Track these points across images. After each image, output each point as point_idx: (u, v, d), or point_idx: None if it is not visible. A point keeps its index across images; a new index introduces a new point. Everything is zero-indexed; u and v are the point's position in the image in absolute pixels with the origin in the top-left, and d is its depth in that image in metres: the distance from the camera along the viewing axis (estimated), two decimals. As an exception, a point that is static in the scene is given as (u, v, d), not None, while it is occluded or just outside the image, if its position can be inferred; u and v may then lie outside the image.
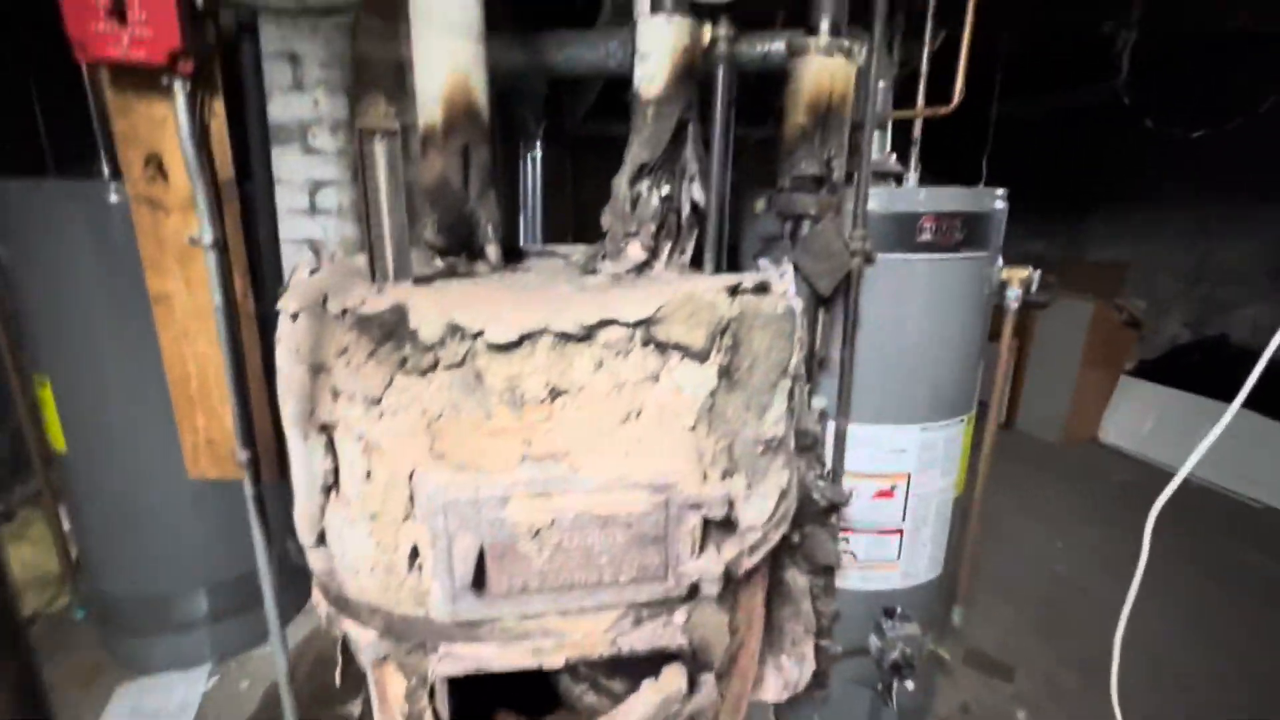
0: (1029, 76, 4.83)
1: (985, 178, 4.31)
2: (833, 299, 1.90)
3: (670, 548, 0.98)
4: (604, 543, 0.94)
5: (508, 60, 2.66)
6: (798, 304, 1.16)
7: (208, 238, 1.22)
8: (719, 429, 1.02)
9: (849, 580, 2.23)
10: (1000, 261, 2.10)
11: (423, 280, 1.29)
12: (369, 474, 0.98)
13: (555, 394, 0.93)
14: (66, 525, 2.91)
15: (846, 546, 2.19)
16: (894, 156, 2.27)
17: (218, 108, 1.19)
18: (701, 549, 1.02)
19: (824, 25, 1.61)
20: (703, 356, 0.99)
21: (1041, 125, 6.20)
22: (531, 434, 0.92)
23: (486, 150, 1.67)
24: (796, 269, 1.77)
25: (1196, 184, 5.79)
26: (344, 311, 1.08)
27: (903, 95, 2.32)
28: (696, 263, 2.16)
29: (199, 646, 2.89)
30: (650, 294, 1.01)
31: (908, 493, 2.14)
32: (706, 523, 1.01)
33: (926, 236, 1.91)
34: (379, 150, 1.12)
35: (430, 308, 0.96)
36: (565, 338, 0.94)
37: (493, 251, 1.71)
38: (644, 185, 1.63)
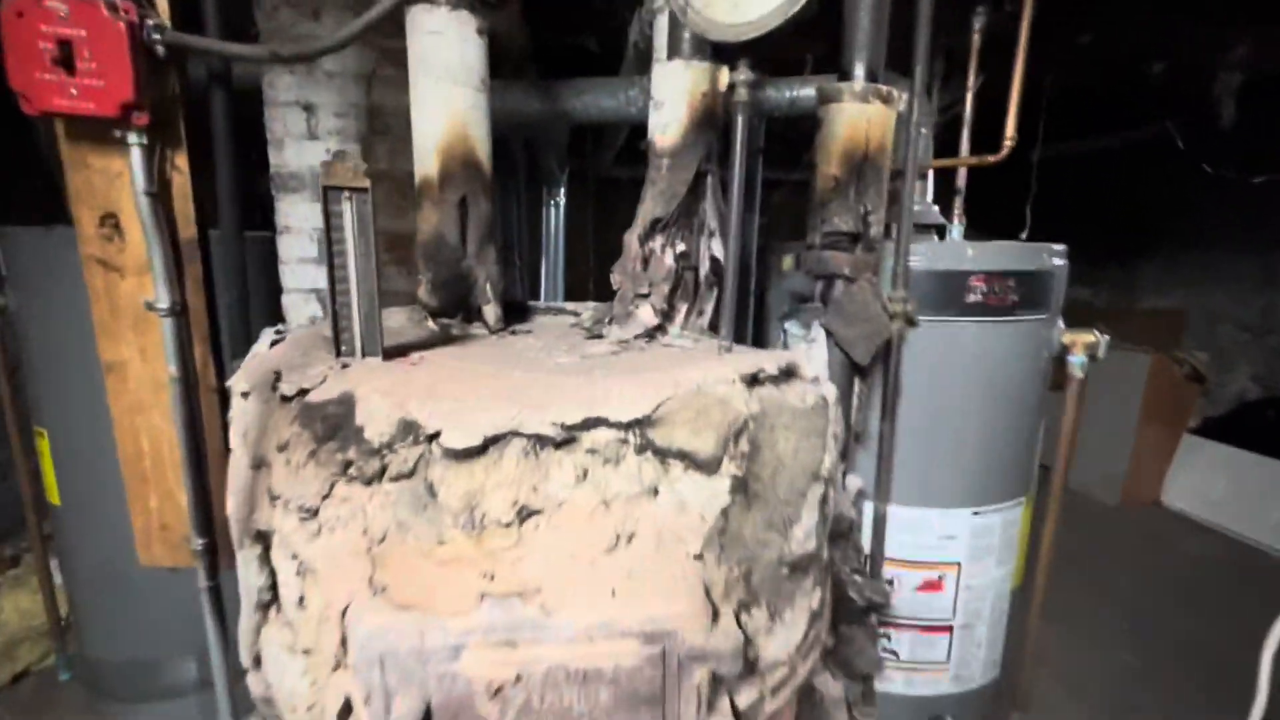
0: (1073, 118, 4.63)
1: (1029, 226, 4.08)
2: (870, 366, 1.70)
3: (669, 708, 0.77)
4: (584, 703, 0.74)
5: (527, 108, 2.59)
6: (831, 391, 0.96)
7: (164, 302, 1.09)
8: (733, 554, 0.81)
9: (892, 685, 1.95)
10: (1061, 324, 1.87)
11: (398, 352, 1.14)
12: (302, 599, 0.80)
13: (525, 514, 0.74)
14: (59, 579, 2.80)
15: (888, 645, 1.92)
16: (935, 208, 2.08)
17: (180, 162, 1.08)
18: (710, 707, 0.80)
19: (859, 70, 1.45)
20: (712, 466, 0.79)
21: (1085, 168, 5.95)
22: (494, 565, 0.73)
23: (487, 203, 1.54)
24: (829, 334, 1.58)
25: (1259, 230, 5.43)
26: (293, 395, 0.92)
27: (942, 142, 2.15)
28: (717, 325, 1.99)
29: (188, 714, 2.72)
30: (649, 384, 0.83)
31: (958, 585, 1.87)
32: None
33: (976, 297, 1.70)
34: (347, 210, 0.99)
35: (383, 398, 0.80)
36: (541, 442, 0.76)
37: (490, 313, 1.57)
38: (657, 242, 1.47)
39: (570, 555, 0.74)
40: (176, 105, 1.05)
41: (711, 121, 1.46)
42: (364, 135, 2.43)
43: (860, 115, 1.43)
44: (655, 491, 0.79)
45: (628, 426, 0.77)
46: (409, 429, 0.76)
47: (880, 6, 1.41)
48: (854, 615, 1.65)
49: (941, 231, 2.06)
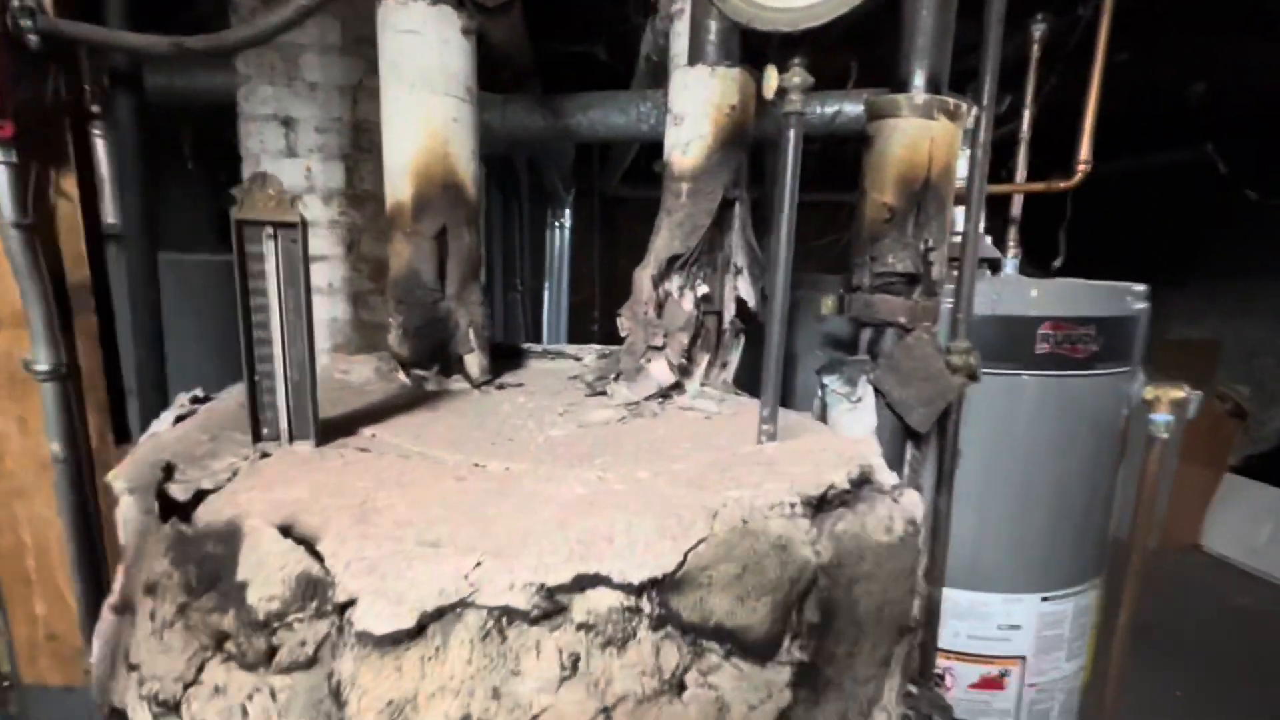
0: (1107, 139, 4.39)
1: (1064, 253, 3.82)
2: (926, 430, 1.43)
3: None
4: None
5: (530, 124, 2.36)
6: (917, 507, 0.70)
7: (43, 364, 0.84)
8: (794, 771, 0.55)
9: (941, 796, 1.65)
10: (1142, 376, 1.61)
11: (343, 428, 0.89)
12: (158, 831, 0.54)
13: (482, 734, 0.48)
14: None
15: (937, 750, 1.63)
16: (988, 239, 1.83)
17: (67, 186, 0.84)
18: None
19: (919, 79, 1.21)
20: (766, 649, 0.53)
21: (1117, 192, 5.70)
22: (433, 817, 0.47)
23: (470, 235, 1.30)
24: (879, 394, 1.32)
25: (1302, 259, 5.15)
26: (186, 502, 0.67)
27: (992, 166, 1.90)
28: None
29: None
30: (672, 510, 0.57)
31: (1022, 683, 1.58)
32: None
33: (1046, 347, 1.44)
34: (270, 250, 0.74)
35: (280, 534, 0.54)
36: (508, 617, 0.50)
37: (474, 363, 1.31)
38: (675, 283, 1.22)
39: (551, 798, 0.48)
40: (61, 114, 0.82)
41: (741, 139, 1.22)
42: (348, 152, 2.22)
43: (922, 133, 1.18)
44: (681, 687, 0.53)
45: (640, 590, 0.51)
46: (312, 590, 0.51)
47: (947, 5, 1.17)
48: (906, 731, 1.36)
49: (995, 266, 1.81)
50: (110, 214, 2.42)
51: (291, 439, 0.80)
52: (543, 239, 4.58)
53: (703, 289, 1.23)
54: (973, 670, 1.59)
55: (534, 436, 0.98)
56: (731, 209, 1.25)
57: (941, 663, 1.60)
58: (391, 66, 1.17)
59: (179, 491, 0.70)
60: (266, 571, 0.53)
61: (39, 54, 0.78)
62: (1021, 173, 1.82)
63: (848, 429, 1.35)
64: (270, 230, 0.74)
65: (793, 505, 0.59)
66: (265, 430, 0.80)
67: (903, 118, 1.18)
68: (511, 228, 3.80)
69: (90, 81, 2.30)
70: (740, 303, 1.32)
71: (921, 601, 0.69)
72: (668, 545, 0.54)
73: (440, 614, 0.50)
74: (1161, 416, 1.59)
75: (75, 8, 0.81)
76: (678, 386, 1.26)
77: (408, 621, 0.48)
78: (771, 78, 0.75)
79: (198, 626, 0.55)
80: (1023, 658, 1.58)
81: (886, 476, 0.71)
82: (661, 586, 0.52)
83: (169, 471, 0.72)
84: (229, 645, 0.53)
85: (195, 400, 0.91)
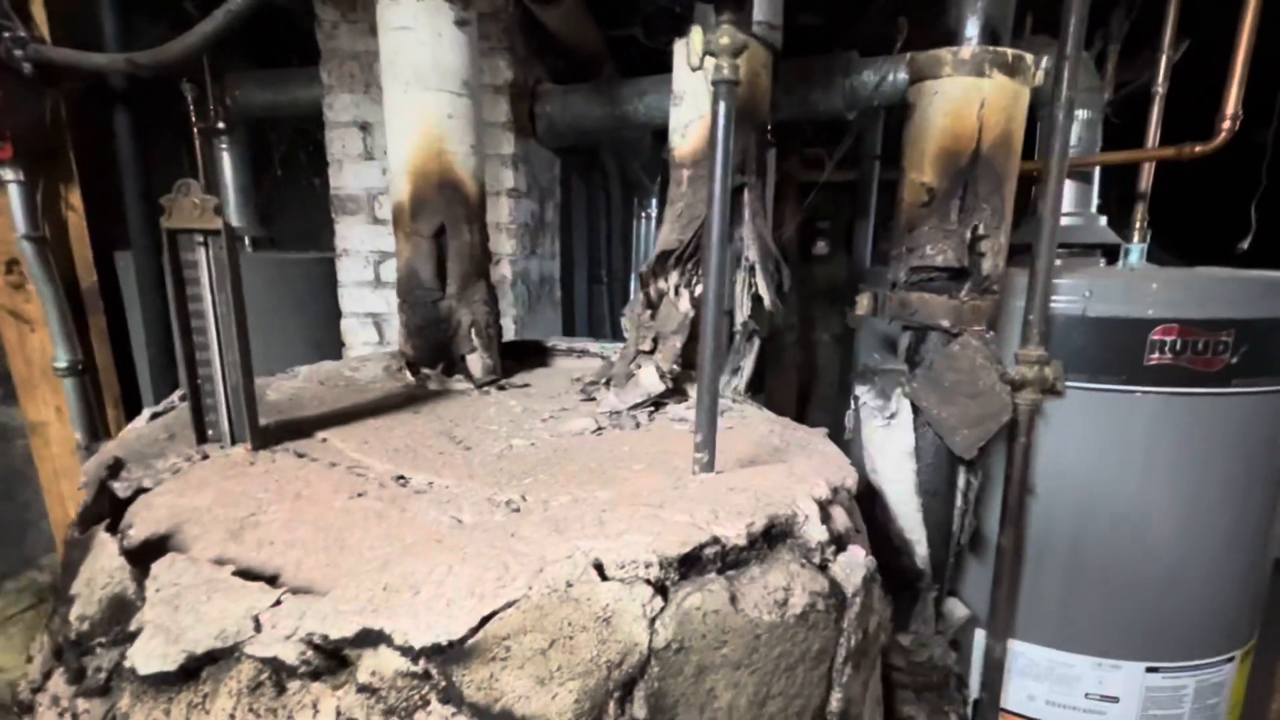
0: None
1: (1254, 233, 3.09)
2: (983, 451, 1.20)
3: None
4: None
5: (588, 114, 2.32)
6: (853, 576, 0.55)
7: (63, 360, 0.93)
8: None
9: None
10: (1312, 396, 1.22)
11: (297, 431, 0.89)
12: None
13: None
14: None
15: (1006, 827, 1.38)
16: (1103, 220, 1.49)
17: (74, 200, 0.92)
18: None
19: (971, 29, 0.99)
20: (572, 744, 0.44)
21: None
22: None
23: (472, 233, 1.27)
24: (918, 413, 1.12)
25: None
26: (128, 498, 0.70)
27: (1117, 132, 1.55)
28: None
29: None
30: (496, 559, 0.49)
31: (1121, 767, 1.29)
32: None
33: (1164, 357, 1.13)
34: (202, 258, 0.75)
35: (114, 548, 0.54)
36: (281, 671, 0.45)
37: (476, 363, 1.29)
38: (670, 281, 1.11)
39: None
40: (63, 133, 0.90)
41: (748, 117, 1.07)
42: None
43: (970, 95, 0.96)
44: (474, 772, 0.45)
45: (421, 655, 0.44)
46: (120, 613, 0.49)
47: (1007, -68, 0.94)
48: (946, 805, 1.16)
49: (1113, 254, 1.48)
50: (236, 218, 2.74)
51: (233, 441, 0.82)
52: (631, 229, 4.56)
53: (700, 288, 1.11)
54: (1053, 742, 1.32)
55: (494, 446, 0.94)
56: (740, 196, 1.10)
57: (1012, 728, 1.34)
58: (388, 65, 1.17)
59: (121, 488, 0.74)
60: (91, 589, 0.53)
61: (32, 79, 0.85)
62: (1154, 136, 1.46)
63: (880, 449, 1.17)
64: (200, 238, 0.75)
65: (648, 565, 0.49)
66: (210, 432, 0.82)
67: (945, 77, 0.98)
68: (596, 218, 3.80)
69: (216, 101, 2.60)
70: (757, 301, 1.18)
71: (853, 687, 0.55)
72: (470, 605, 0.46)
73: (213, 658, 0.46)
74: (1343, 450, 1.21)
75: (76, 34, 0.89)
76: (679, 392, 1.15)
77: (172, 664, 0.45)
78: (696, 41, 0.62)
79: (53, 634, 0.56)
80: (1122, 736, 1.29)
81: (815, 531, 0.57)
82: (445, 655, 0.44)
83: (116, 468, 0.76)
84: (66, 656, 0.54)
85: (183, 399, 0.97)
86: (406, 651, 0.44)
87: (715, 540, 0.52)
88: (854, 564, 0.57)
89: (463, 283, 1.25)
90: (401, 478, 0.78)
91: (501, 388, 1.28)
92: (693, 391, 1.18)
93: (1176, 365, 1.14)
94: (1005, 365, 1.14)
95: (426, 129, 1.17)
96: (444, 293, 1.24)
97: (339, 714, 0.45)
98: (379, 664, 0.45)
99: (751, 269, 1.15)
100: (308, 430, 0.93)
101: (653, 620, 0.46)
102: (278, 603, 0.49)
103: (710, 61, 0.65)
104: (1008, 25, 0.99)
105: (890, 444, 1.15)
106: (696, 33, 0.63)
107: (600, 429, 1.02)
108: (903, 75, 1.26)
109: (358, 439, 0.91)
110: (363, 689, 0.45)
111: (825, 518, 0.60)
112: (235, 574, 0.53)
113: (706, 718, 0.46)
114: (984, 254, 1.01)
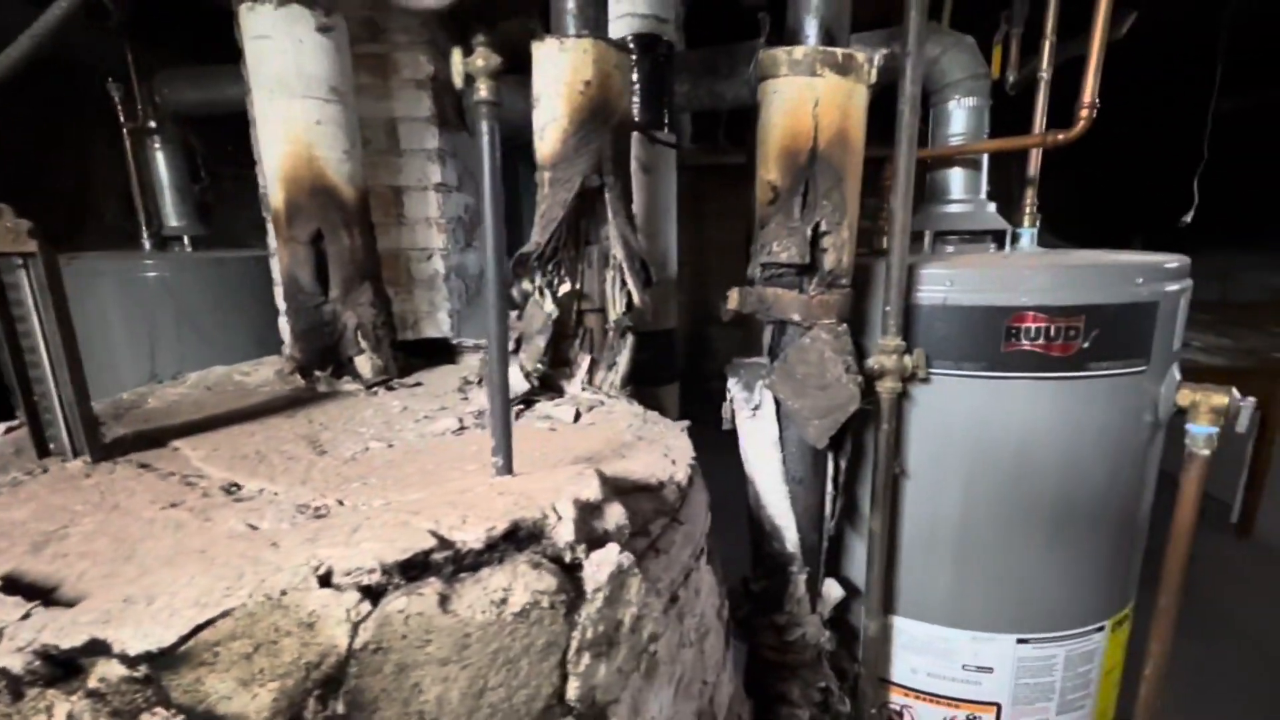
0: (1270, 57, 3.48)
1: (1196, 206, 3.12)
2: (860, 430, 1.24)
3: None
4: None
5: (517, 107, 2.32)
6: (602, 573, 0.59)
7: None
8: None
9: (902, 842, 1.48)
10: (1176, 376, 1.27)
11: (151, 440, 0.92)
12: None
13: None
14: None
15: (897, 792, 1.45)
16: (992, 207, 1.52)
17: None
18: None
19: (810, 29, 1.00)
20: (272, 740, 0.48)
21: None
22: None
23: (352, 237, 1.29)
24: (778, 403, 1.16)
25: None
26: None
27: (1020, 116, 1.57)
28: (656, 376, 1.61)
29: None
30: (224, 572, 0.52)
31: (997, 733, 1.36)
32: None
33: (1020, 343, 1.17)
34: (23, 280, 0.78)
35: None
36: (14, 682, 0.48)
37: (364, 365, 1.32)
38: (531, 282, 1.14)
39: None
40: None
41: (602, 118, 1.09)
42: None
43: (803, 94, 0.98)
44: (194, 766, 0.49)
45: (138, 662, 0.48)
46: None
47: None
48: (819, 774, 1.22)
49: (1002, 239, 1.51)
50: (173, 218, 2.73)
51: (74, 454, 0.85)
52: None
53: (565, 287, 1.14)
54: (935, 712, 1.38)
55: (350, 449, 0.97)
56: (600, 197, 1.13)
57: (899, 699, 1.40)
58: (253, 72, 1.18)
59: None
60: None
61: None
62: (1040, 122, 1.47)
63: (748, 439, 1.21)
64: (19, 260, 0.78)
65: (370, 571, 0.52)
66: (53, 446, 0.85)
67: (783, 77, 1.00)
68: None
69: (144, 100, 2.58)
70: (630, 299, 1.21)
71: (593, 678, 0.59)
72: (189, 614, 0.50)
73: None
74: (1201, 429, 1.25)
75: None
76: (551, 390, 1.18)
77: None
78: (456, 63, 0.64)
79: None
80: (997, 705, 1.35)
81: (565, 532, 0.60)
82: (158, 662, 0.48)
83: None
84: None
85: (50, 410, 0.99)
86: (125, 659, 0.48)
87: (446, 544, 0.55)
88: (604, 562, 0.61)
89: (346, 286, 1.27)
90: (234, 486, 0.82)
91: (391, 388, 1.32)
92: (569, 388, 1.21)
93: (1033, 351, 1.18)
94: (871, 356, 1.18)
95: (295, 136, 1.18)
96: (326, 297, 1.27)
97: (70, 718, 0.49)
98: (106, 671, 0.49)
99: (619, 268, 1.18)
100: (164, 440, 0.96)
101: (356, 625, 0.49)
102: (27, 615, 0.52)
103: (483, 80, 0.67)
104: (844, 25, 1.01)
105: (757, 434, 1.19)
106: (456, 55, 0.65)
107: (463, 429, 1.05)
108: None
109: (210, 446, 0.95)
110: (91, 694, 0.49)
111: (588, 518, 0.64)
112: (5, 588, 0.56)
113: (414, 710, 0.50)
114: (826, 250, 1.04)
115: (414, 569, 0.54)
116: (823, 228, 1.03)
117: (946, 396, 1.24)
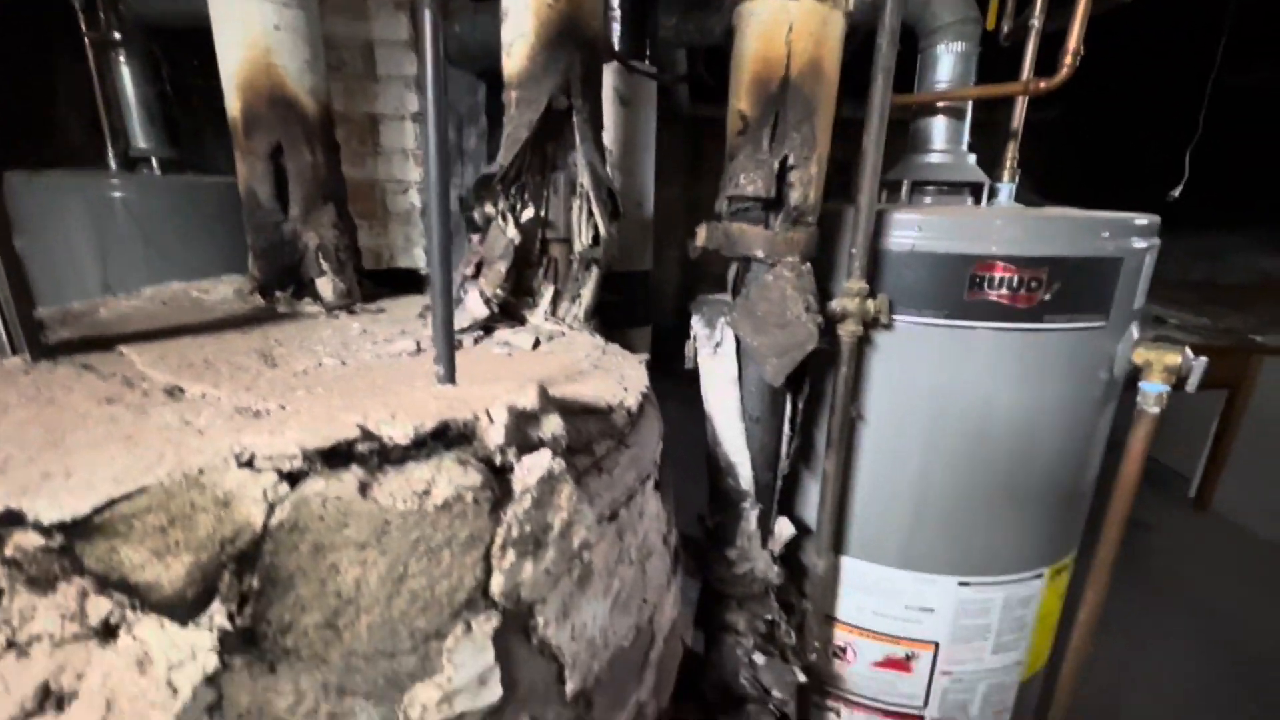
0: (1266, 38, 3.42)
1: (1186, 179, 3.10)
2: (821, 374, 1.25)
3: None
4: None
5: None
6: (532, 476, 0.60)
7: None
8: (254, 736, 0.51)
9: (838, 767, 1.56)
10: (1135, 333, 1.28)
11: (98, 345, 0.91)
12: None
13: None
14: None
15: (836, 721, 1.53)
16: (972, 158, 1.50)
17: None
18: None
19: (791, -53, 0.96)
20: (187, 610, 0.49)
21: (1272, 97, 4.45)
22: None
23: (313, 153, 1.25)
24: (739, 340, 1.16)
25: None
26: None
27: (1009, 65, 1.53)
28: (627, 318, 1.61)
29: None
30: (143, 454, 0.52)
31: (933, 669, 1.42)
32: None
33: (983, 292, 1.17)
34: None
35: None
36: (-72, 545, 0.49)
37: (326, 287, 1.30)
38: (494, 206, 1.11)
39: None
40: None
41: (572, 36, 1.05)
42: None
43: (777, 17, 0.95)
44: (112, 634, 0.50)
45: (52, 531, 0.48)
46: None
47: None
48: (754, 696, 1.28)
49: (979, 192, 1.49)
50: (140, 139, 2.64)
51: (13, 351, 0.83)
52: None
53: (529, 213, 1.12)
54: (875, 648, 1.44)
55: (302, 364, 0.96)
56: (568, 121, 1.10)
57: (843, 635, 1.46)
58: (208, -31, 1.12)
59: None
60: None
61: None
62: (1028, 69, 1.44)
63: (708, 376, 1.21)
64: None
65: (291, 458, 0.52)
66: (-7, 343, 0.84)
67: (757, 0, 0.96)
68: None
69: (105, 8, 2.45)
70: (596, 231, 1.19)
71: (521, 574, 0.61)
72: (106, 489, 0.50)
73: None
74: (1153, 386, 1.27)
75: None
76: (512, 319, 1.17)
77: None
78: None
79: None
80: (935, 643, 1.40)
81: (495, 435, 0.61)
82: (71, 531, 0.48)
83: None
84: None
85: None
86: (39, 528, 0.48)
87: (371, 437, 0.55)
88: (534, 466, 0.61)
89: (306, 205, 1.24)
90: (177, 390, 0.81)
91: (354, 312, 1.30)
92: (531, 318, 1.21)
93: (996, 301, 1.18)
94: (835, 299, 1.18)
95: (252, 40, 1.13)
96: (286, 215, 1.24)
97: (-18, 585, 0.49)
98: (23, 540, 0.49)
99: (587, 196, 1.16)
100: (110, 346, 0.95)
101: (273, 505, 0.50)
102: (-55, 488, 0.52)
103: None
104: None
105: (717, 371, 1.19)
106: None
107: (420, 350, 1.05)
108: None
109: (158, 354, 0.93)
110: (7, 561, 0.49)
111: (522, 425, 0.64)
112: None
113: (331, 590, 0.51)
114: (793, 185, 1.02)
115: (337, 458, 0.54)
116: (790, 161, 1.01)
117: (908, 344, 1.24)
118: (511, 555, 0.59)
